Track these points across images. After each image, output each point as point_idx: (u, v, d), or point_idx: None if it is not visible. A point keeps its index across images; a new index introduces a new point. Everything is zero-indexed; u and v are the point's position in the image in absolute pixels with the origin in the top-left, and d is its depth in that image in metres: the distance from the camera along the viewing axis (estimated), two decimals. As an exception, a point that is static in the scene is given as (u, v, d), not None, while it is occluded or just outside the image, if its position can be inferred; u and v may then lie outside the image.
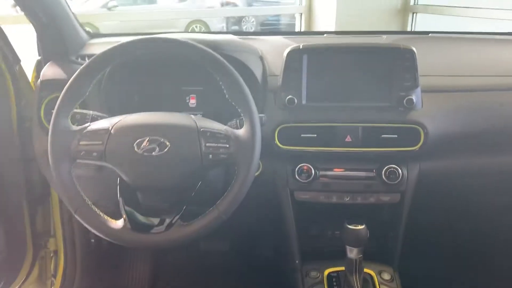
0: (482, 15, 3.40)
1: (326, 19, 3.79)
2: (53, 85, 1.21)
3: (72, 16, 1.33)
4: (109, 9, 5.36)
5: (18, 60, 1.32)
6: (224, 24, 6.15)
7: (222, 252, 1.77)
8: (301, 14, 3.96)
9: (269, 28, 6.29)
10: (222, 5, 5.32)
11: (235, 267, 1.71)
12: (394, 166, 1.15)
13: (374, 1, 3.82)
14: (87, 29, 1.46)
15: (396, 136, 1.13)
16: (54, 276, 1.58)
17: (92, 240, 1.61)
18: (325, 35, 1.54)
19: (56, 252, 1.57)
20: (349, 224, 1.06)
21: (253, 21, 6.29)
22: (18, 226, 1.43)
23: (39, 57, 1.34)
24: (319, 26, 3.78)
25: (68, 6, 1.32)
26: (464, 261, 1.60)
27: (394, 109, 1.14)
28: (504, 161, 1.25)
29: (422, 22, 3.96)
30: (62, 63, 1.27)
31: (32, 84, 1.37)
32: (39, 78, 1.25)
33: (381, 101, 1.15)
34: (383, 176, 1.15)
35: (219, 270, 1.71)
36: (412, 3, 3.94)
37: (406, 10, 3.95)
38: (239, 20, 6.09)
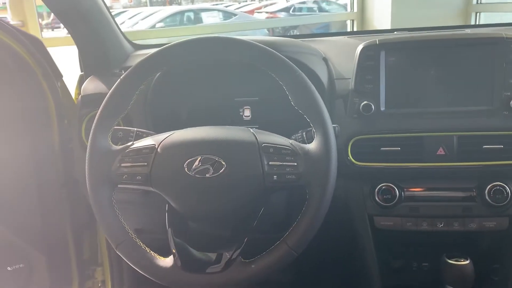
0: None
1: (380, 25, 3.59)
2: (94, 100, 1.10)
3: (115, 26, 1.23)
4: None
5: (60, 76, 1.23)
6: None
7: (283, 283, 1.58)
8: (352, 21, 3.78)
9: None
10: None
11: None
12: (500, 183, 0.96)
13: (433, 3, 3.57)
14: (133, 41, 1.36)
15: (502, 146, 0.95)
16: (102, 307, 1.47)
17: None
18: (395, 32, 1.35)
19: (104, 283, 1.46)
20: (449, 259, 0.85)
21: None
22: (63, 255, 1.33)
23: (82, 73, 1.25)
24: (372, 34, 3.60)
25: (111, 15, 1.21)
26: None
27: (497, 113, 0.96)
28: None
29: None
30: (104, 76, 1.16)
31: (75, 101, 1.28)
32: None
33: (480, 104, 0.98)
34: (487, 196, 0.97)
35: None
36: (474, 2, 3.66)
37: (469, 11, 3.69)
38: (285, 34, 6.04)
